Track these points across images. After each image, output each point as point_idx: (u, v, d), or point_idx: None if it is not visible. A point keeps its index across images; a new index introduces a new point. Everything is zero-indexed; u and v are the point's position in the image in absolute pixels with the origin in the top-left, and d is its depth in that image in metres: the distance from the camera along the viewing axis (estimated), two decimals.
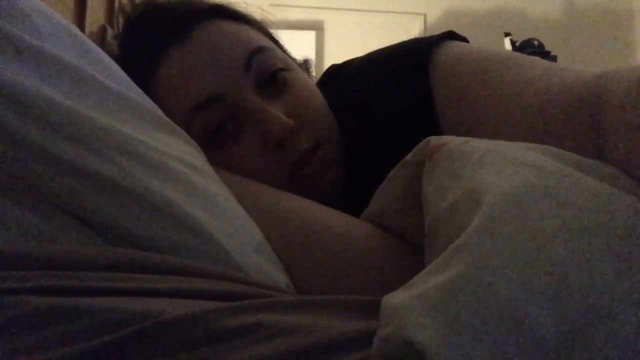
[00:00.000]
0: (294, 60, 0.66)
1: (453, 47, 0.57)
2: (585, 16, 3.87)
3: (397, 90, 0.57)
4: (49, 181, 0.37)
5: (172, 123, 0.48)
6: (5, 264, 0.31)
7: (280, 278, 0.43)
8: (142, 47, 0.59)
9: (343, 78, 0.65)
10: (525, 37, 3.48)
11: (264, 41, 0.61)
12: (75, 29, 0.46)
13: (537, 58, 0.51)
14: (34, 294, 0.29)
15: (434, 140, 0.39)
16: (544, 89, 0.45)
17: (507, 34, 3.51)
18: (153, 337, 0.26)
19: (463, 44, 0.58)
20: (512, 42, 3.46)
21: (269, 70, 0.57)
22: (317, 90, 0.62)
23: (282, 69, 0.58)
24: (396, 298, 0.26)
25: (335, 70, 0.68)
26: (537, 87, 0.46)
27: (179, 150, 0.45)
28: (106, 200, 0.38)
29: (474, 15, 3.80)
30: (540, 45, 3.44)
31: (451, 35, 0.59)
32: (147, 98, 0.48)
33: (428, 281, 0.26)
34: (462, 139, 0.38)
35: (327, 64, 0.73)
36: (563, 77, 0.44)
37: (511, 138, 0.38)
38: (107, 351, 0.25)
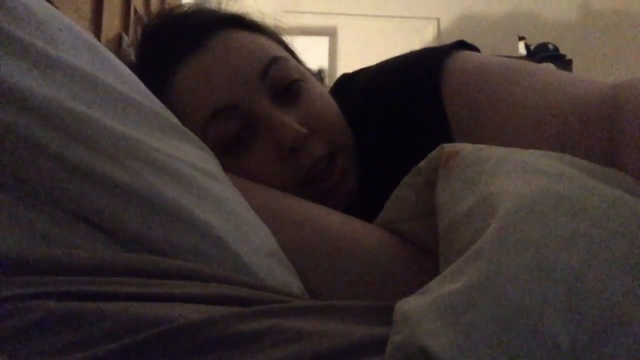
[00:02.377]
0: (308, 69, 0.67)
1: (464, 57, 0.56)
2: (600, 19, 3.84)
3: (409, 100, 0.57)
4: (62, 186, 0.38)
5: (186, 130, 0.48)
6: (23, 269, 0.32)
7: (293, 283, 0.43)
8: (158, 56, 0.60)
9: (354, 87, 0.65)
10: (539, 41, 3.45)
11: (279, 51, 0.61)
12: (92, 37, 0.47)
13: (549, 66, 0.51)
14: (51, 298, 0.29)
15: (447, 147, 0.39)
16: (558, 99, 0.45)
17: (521, 38, 3.48)
18: (167, 342, 0.26)
19: (474, 53, 0.58)
20: (527, 46, 3.43)
21: (285, 80, 0.58)
22: (331, 100, 0.62)
23: (297, 80, 0.59)
24: (409, 304, 0.26)
25: (347, 79, 0.68)
26: (551, 98, 0.46)
27: (192, 156, 0.45)
28: (119, 205, 0.39)
29: (488, 19, 3.79)
30: (555, 48, 3.41)
31: (462, 44, 0.59)
32: (162, 105, 0.49)
33: (442, 288, 0.26)
34: (476, 146, 0.38)
35: (340, 70, 0.74)
36: (577, 88, 0.44)
37: (524, 148, 0.37)
38: (122, 356, 0.26)
